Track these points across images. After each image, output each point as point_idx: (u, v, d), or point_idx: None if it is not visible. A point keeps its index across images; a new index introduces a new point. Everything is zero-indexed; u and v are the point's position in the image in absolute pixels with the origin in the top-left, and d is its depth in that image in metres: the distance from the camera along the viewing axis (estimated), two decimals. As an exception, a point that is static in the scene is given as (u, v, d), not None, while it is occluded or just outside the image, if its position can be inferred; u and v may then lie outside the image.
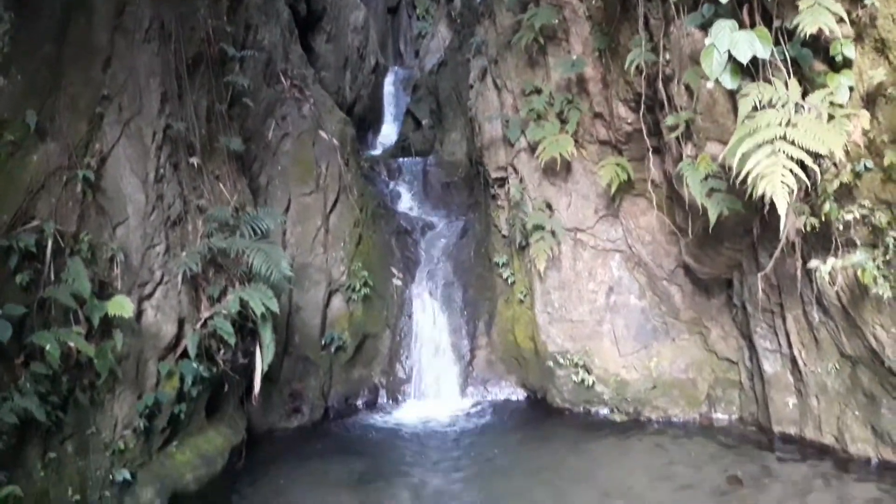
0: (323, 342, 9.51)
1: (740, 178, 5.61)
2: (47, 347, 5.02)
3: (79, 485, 5.52)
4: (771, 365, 7.82)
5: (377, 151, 14.49)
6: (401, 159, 13.07)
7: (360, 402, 9.70)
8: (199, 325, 6.69)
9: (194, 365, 6.49)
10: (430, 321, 10.16)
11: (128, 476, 5.88)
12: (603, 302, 9.17)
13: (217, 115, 7.66)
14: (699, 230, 7.52)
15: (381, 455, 7.86)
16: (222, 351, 6.97)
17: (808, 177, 5.67)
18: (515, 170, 9.49)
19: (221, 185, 7.63)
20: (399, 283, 10.42)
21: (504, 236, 10.01)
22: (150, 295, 6.38)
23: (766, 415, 7.88)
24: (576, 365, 9.05)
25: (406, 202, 11.61)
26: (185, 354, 6.52)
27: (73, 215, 5.74)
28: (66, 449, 5.46)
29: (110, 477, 5.81)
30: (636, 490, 6.64)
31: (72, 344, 5.24)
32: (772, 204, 5.50)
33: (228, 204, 7.42)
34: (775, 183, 5.25)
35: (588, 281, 9.19)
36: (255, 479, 7.12)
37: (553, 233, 9.00)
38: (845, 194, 5.98)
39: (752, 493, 6.36)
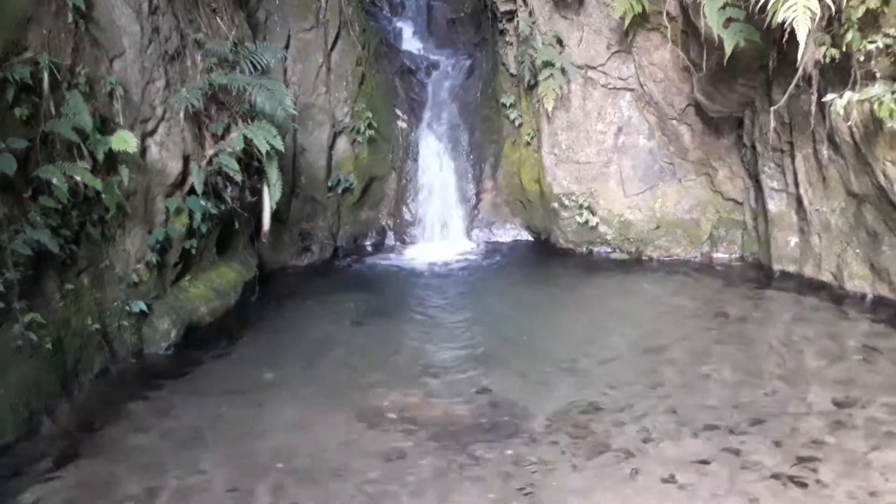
0: (329, 184, 9.55)
1: (759, 3, 5.33)
2: (54, 181, 5.01)
3: (98, 314, 5.69)
4: (776, 204, 7.86)
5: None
6: (404, -7, 12.50)
7: (368, 244, 9.90)
8: (204, 163, 6.65)
9: (202, 202, 6.51)
10: (435, 164, 10.12)
11: (143, 307, 6.06)
12: (611, 143, 9.11)
13: (210, -58, 7.24)
14: (713, 65, 7.33)
15: (388, 292, 8.06)
16: (229, 188, 6.97)
17: (833, 2, 5.39)
18: (525, 2, 9.11)
19: (218, 18, 7.32)
20: (404, 125, 10.28)
21: (512, 75, 9.80)
22: (153, 131, 6.30)
23: (767, 253, 8.01)
24: (581, 206, 9.15)
25: (410, 40, 11.21)
26: (192, 191, 6.53)
27: (66, 47, 5.53)
28: (83, 281, 5.59)
29: (127, 308, 5.98)
30: (633, 314, 7.06)
31: (78, 178, 5.23)
32: (791, 33, 5.29)
33: (227, 38, 7.15)
34: (797, 7, 4.97)
35: (597, 121, 9.08)
36: (267, 312, 7.33)
37: (563, 70, 8.75)
38: (870, 22, 5.72)
39: (739, 323, 6.58)
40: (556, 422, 4.87)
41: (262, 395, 5.44)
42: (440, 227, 9.93)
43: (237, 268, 7.56)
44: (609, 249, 9.13)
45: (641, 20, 8.17)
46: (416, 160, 10.17)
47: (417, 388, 5.51)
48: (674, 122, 8.75)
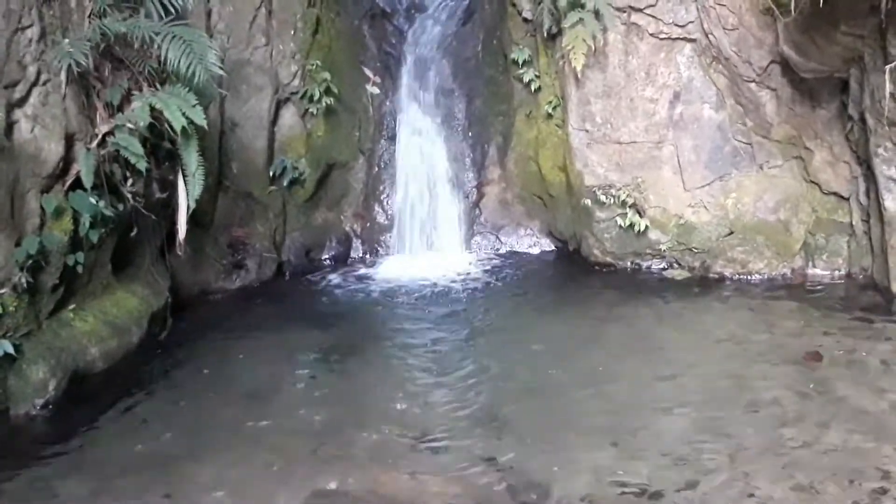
0: (272, 173, 9.57)
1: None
2: None
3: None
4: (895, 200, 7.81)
5: None
6: None
7: (325, 257, 9.92)
8: (94, 144, 6.53)
9: (92, 200, 6.39)
10: (420, 146, 10.16)
11: (9, 348, 5.91)
12: (665, 115, 9.16)
13: None
14: (806, 6, 7.26)
15: (355, 326, 8.04)
16: (130, 181, 6.88)
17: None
18: (544, -83, 9.16)
19: (114, -59, 7.27)
20: (376, 90, 10.32)
21: (526, 21, 9.90)
22: (23, 100, 6.19)
23: (884, 269, 7.95)
24: (623, 204, 9.15)
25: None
26: (77, 185, 6.42)
27: None
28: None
29: (-15, 351, 5.85)
30: (695, 357, 6.94)
31: None
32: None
33: (126, -31, 7.11)
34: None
35: (644, 85, 9.14)
36: (183, 355, 7.28)
37: (597, 13, 8.75)
38: None
39: (834, 371, 6.46)
40: (592, 509, 4.82)
41: (174, 477, 5.30)
42: (427, 233, 9.97)
43: (141, 292, 7.49)
44: (663, 264, 9.20)
45: (706, -58, 8.17)
46: (392, 139, 10.19)
47: (399, 462, 5.43)
48: (752, 85, 8.76)
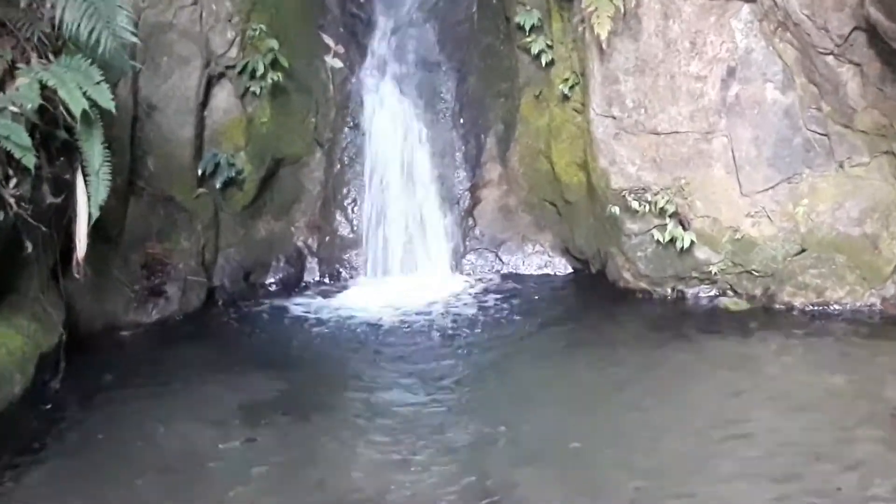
0: (200, 171, 9.58)
1: None
2: None
3: None
4: None
5: None
6: None
7: (271, 280, 10.01)
8: (-36, 133, 6.50)
9: (-40, 207, 6.38)
10: (396, 135, 10.21)
11: None
12: (715, 97, 9.14)
13: None
14: (901, -47, 7.28)
15: (306, 376, 7.98)
16: (14, 181, 6.79)
17: None
18: None
19: None
20: (338, 63, 10.41)
21: (535, -26, 9.87)
22: None
23: None
24: (661, 212, 9.14)
25: None
26: (-59, 187, 6.39)
27: None
28: None
29: None
30: (757, 412, 6.84)
31: None
32: None
33: None
34: None
35: (689, 58, 9.14)
36: (81, 411, 7.22)
37: (627, -36, 8.81)
38: None
39: None
40: None
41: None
42: (405, 251, 9.99)
43: (27, 328, 7.40)
44: (713, 291, 9.17)
45: None
46: (359, 128, 10.24)
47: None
48: (829, 59, 8.74)
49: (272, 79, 9.73)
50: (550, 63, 9.90)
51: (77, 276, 7.67)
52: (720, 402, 7.13)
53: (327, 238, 10.12)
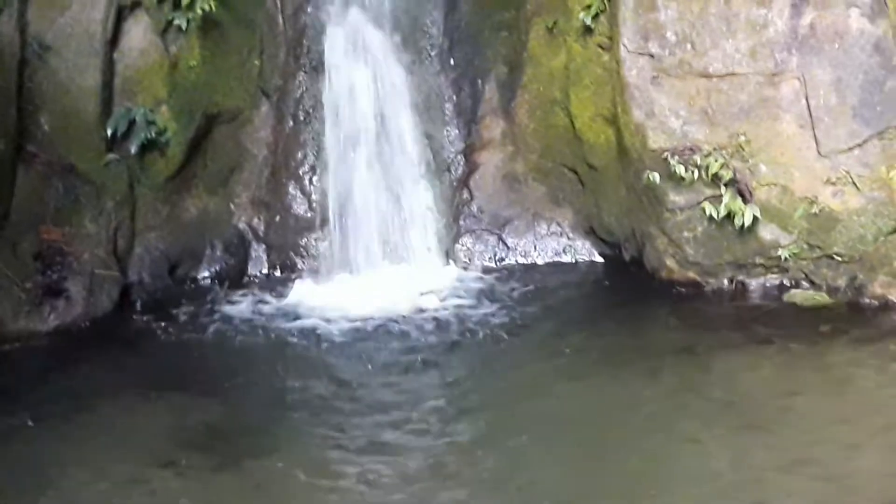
0: (110, 131, 8.89)
1: None
2: None
3: None
4: None
5: None
6: None
7: (204, 274, 9.44)
8: None
9: None
10: (366, 81, 9.47)
11: None
12: (784, 27, 8.47)
13: None
14: None
15: (244, 401, 7.28)
16: None
17: None
18: None
19: None
20: (290, -15, 10.23)
21: None
22: None
23: None
24: (714, 179, 8.48)
25: None
26: None
27: None
28: None
29: None
30: (846, 438, 6.01)
31: None
32: None
33: None
34: None
35: (747, -20, 8.79)
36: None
37: None
38: None
39: None
40: None
41: None
42: (380, 235, 9.43)
43: None
44: (784, 280, 8.53)
45: None
46: (318, 72, 9.60)
47: None
48: (934, -28, 8.16)
49: (202, 8, 8.87)
50: (567, -14, 9.35)
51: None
52: (798, 429, 6.17)
53: (277, 218, 9.42)
